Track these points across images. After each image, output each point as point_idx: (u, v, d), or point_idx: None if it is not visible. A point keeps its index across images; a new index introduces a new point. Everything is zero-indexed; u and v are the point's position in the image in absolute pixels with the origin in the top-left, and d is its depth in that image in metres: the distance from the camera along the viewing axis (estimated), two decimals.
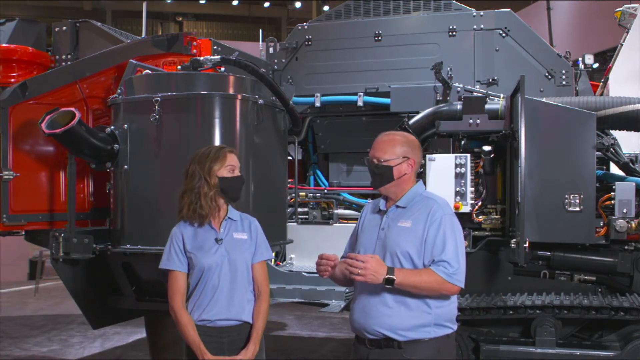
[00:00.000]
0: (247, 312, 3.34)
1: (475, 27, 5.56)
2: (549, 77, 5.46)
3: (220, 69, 4.90)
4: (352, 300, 3.22)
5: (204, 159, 3.35)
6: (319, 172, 6.08)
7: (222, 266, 3.30)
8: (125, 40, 5.52)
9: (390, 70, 5.70)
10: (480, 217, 4.93)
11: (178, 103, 4.53)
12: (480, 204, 4.93)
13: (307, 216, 5.77)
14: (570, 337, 4.82)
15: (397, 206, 3.11)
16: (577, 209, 4.51)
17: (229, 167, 3.34)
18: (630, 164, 4.93)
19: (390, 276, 2.87)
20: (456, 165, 4.85)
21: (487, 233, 4.95)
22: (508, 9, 5.64)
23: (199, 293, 3.30)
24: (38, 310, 10.01)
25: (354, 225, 3.38)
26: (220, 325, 3.29)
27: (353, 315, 3.14)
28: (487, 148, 4.85)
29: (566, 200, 4.52)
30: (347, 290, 4.95)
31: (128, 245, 4.61)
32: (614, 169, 5.04)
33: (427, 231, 2.99)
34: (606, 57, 9.83)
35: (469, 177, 4.84)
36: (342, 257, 3.31)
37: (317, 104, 5.75)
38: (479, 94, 5.12)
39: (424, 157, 4.83)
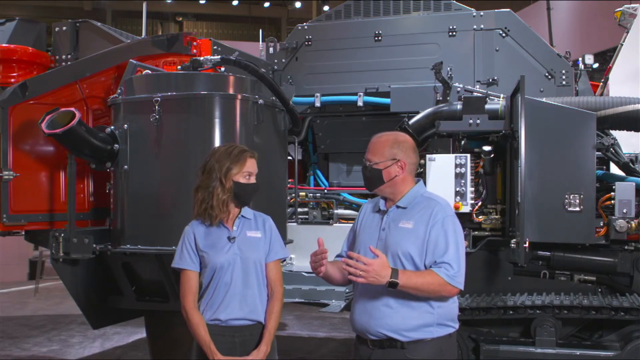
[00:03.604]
0: (260, 312, 3.31)
1: (475, 27, 5.56)
2: (549, 77, 5.46)
3: (220, 69, 4.90)
4: (353, 300, 3.21)
5: (223, 158, 3.29)
6: (319, 172, 6.08)
7: (234, 265, 3.26)
8: (125, 40, 5.52)
9: (390, 70, 5.70)
10: (480, 217, 4.93)
11: (178, 103, 4.53)
12: (480, 204, 4.93)
13: (307, 216, 5.77)
14: (570, 337, 4.82)
15: (398, 206, 3.10)
16: (577, 209, 4.51)
17: (246, 172, 3.29)
18: (630, 164, 4.93)
19: (394, 280, 2.86)
20: (456, 165, 4.85)
21: (487, 233, 4.95)
22: (508, 9, 5.64)
23: (212, 292, 3.28)
24: (38, 310, 10.01)
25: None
26: (233, 325, 3.26)
27: (354, 316, 3.13)
28: (487, 148, 4.85)
29: (566, 200, 4.52)
30: (347, 290, 4.96)
31: (128, 245, 4.61)
32: (614, 169, 5.04)
33: (429, 232, 2.98)
34: (606, 57, 9.83)
35: (469, 177, 4.84)
36: (339, 255, 3.31)
37: (317, 104, 5.75)
38: (479, 94, 5.12)
39: (423, 157, 4.83)
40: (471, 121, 4.87)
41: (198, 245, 3.30)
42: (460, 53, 5.57)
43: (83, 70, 5.04)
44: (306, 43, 5.94)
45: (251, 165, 3.33)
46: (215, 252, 3.28)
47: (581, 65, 5.67)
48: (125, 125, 4.61)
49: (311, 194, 5.83)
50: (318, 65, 5.89)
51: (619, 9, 6.53)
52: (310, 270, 5.19)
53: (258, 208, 3.52)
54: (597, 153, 4.68)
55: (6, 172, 4.65)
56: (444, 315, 3.02)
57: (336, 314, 5.24)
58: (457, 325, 3.11)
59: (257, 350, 3.26)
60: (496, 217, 4.92)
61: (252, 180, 3.34)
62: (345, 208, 5.76)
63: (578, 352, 4.61)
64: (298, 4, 25.93)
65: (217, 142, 4.48)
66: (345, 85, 5.76)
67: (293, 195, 5.65)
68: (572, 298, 4.70)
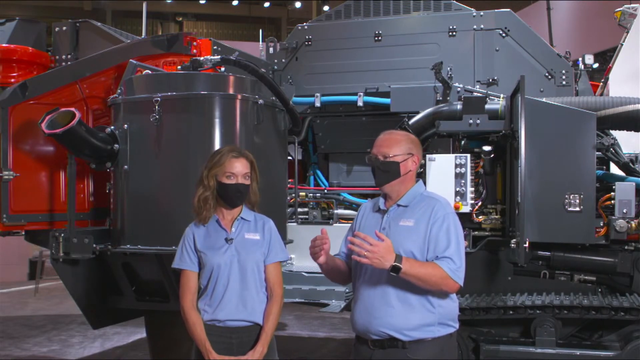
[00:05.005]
0: (258, 314, 3.31)
1: (475, 27, 5.56)
2: (549, 77, 5.46)
3: (220, 69, 4.90)
4: (353, 300, 3.21)
5: (211, 159, 3.37)
6: (319, 172, 6.08)
7: (231, 266, 3.28)
8: (125, 40, 5.52)
9: (390, 70, 5.70)
10: (480, 217, 4.94)
11: (178, 103, 4.53)
12: (480, 204, 4.93)
13: (307, 216, 5.77)
14: (570, 337, 4.82)
15: (399, 205, 3.11)
16: (577, 209, 4.52)
17: (228, 173, 3.29)
18: (630, 164, 4.94)
19: (398, 264, 2.86)
20: (456, 165, 4.85)
21: (487, 233, 4.96)
22: (508, 9, 5.64)
23: (210, 293, 3.30)
24: (38, 310, 10.01)
25: None
26: (230, 326, 3.28)
27: (355, 316, 3.13)
28: (487, 148, 4.86)
29: (566, 200, 4.52)
30: (347, 290, 4.96)
31: (128, 245, 4.60)
32: (614, 169, 5.04)
33: (430, 229, 2.99)
34: (606, 57, 9.84)
35: (469, 177, 4.85)
36: (337, 255, 3.30)
37: (317, 104, 5.75)
38: (479, 94, 5.12)
39: (423, 157, 4.84)
40: (471, 121, 4.87)
41: (197, 245, 3.33)
42: (460, 53, 5.57)
43: (83, 70, 5.04)
44: (306, 43, 5.94)
45: (235, 166, 3.31)
46: (212, 253, 3.30)
47: (581, 65, 5.67)
48: (125, 125, 4.61)
49: (311, 194, 5.83)
50: (318, 65, 5.90)
51: (619, 9, 6.54)
52: (310, 271, 5.23)
53: (258, 207, 3.52)
54: (597, 153, 4.68)
55: (6, 172, 4.65)
56: (445, 315, 3.03)
57: (336, 314, 5.24)
58: (457, 325, 3.11)
59: (252, 351, 3.27)
60: (496, 217, 4.93)
61: (238, 180, 3.30)
62: (345, 208, 5.76)
63: (578, 352, 4.61)
64: (298, 4, 25.91)
65: (217, 142, 4.48)
66: (345, 85, 5.77)
67: (293, 195, 5.65)
68: (572, 298, 4.70)
